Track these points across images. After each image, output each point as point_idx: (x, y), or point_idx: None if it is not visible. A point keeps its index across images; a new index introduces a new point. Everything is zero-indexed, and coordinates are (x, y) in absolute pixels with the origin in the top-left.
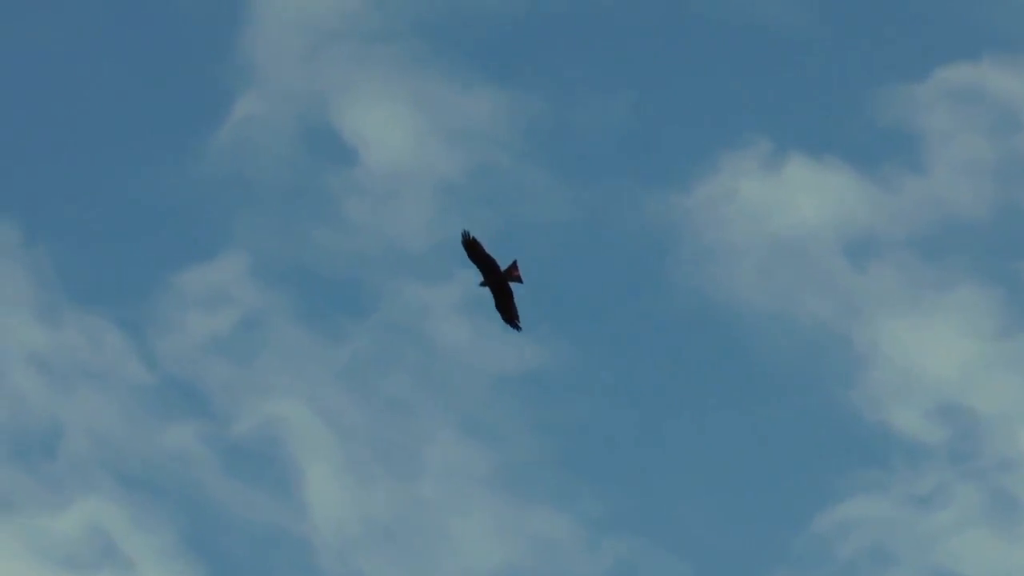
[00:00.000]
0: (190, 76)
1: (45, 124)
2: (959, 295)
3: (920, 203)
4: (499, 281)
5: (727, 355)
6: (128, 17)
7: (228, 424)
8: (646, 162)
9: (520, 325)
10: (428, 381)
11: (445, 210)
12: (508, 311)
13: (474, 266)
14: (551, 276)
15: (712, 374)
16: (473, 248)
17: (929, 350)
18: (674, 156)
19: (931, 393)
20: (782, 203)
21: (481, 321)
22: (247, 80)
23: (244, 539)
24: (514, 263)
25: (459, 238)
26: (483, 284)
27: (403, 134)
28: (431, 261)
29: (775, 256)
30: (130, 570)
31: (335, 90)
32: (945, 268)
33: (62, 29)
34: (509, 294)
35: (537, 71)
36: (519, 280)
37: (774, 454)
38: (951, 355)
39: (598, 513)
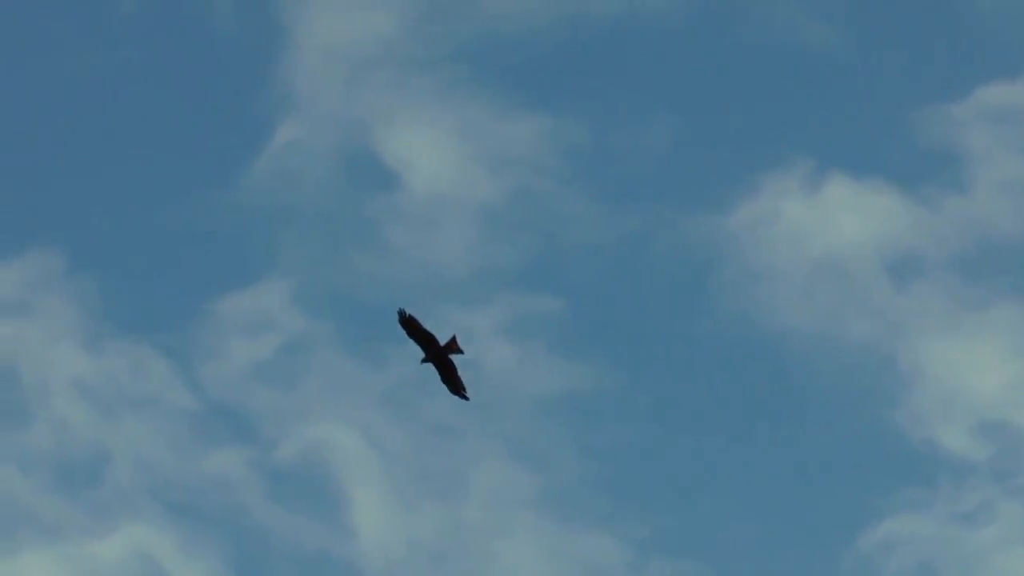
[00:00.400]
0: (231, 104)
1: (88, 153)
2: (1001, 314)
3: (961, 223)
4: (440, 355)
5: (770, 376)
6: (169, 45)
7: (273, 449)
8: (687, 185)
9: (467, 395)
10: (472, 405)
11: (487, 235)
12: (453, 383)
13: (415, 343)
14: (594, 300)
15: (756, 395)
16: (411, 325)
17: (972, 368)
18: (715, 178)
19: (974, 411)
20: (823, 224)
21: (524, 344)
22: (288, 107)
23: (290, 564)
24: (453, 337)
25: (501, 263)
26: (425, 360)
27: (444, 160)
28: (473, 286)
29: (817, 277)
30: None
31: (376, 117)
32: (987, 287)
33: (103, 58)
34: (452, 367)
35: (577, 96)
36: (460, 352)
37: (818, 474)
38: (994, 373)
39: (643, 535)
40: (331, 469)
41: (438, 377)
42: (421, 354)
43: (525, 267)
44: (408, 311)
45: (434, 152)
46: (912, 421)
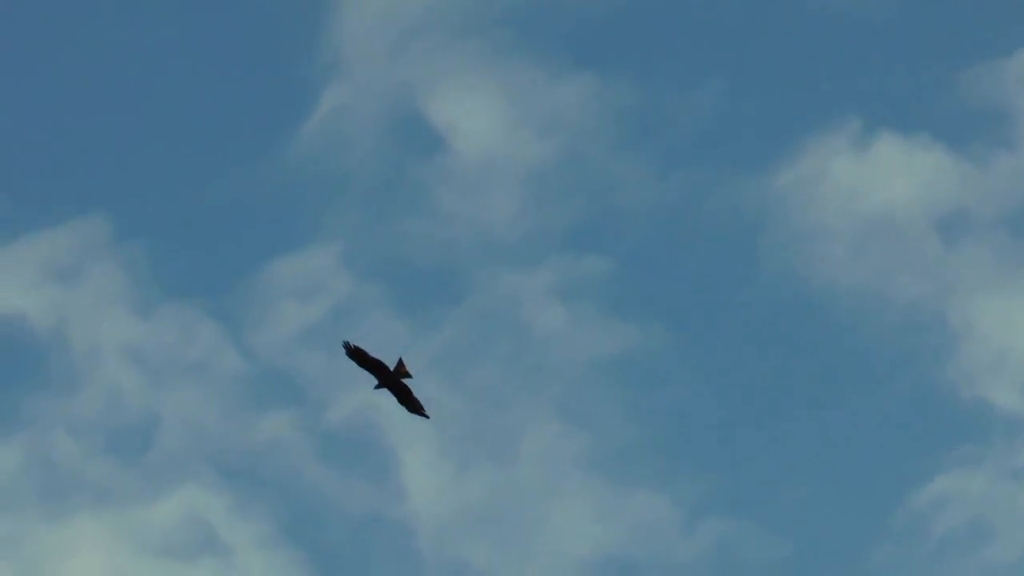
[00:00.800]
0: (277, 69)
1: (135, 119)
2: None
3: (1010, 179)
4: (392, 380)
5: (821, 335)
6: (215, 12)
7: (324, 412)
8: (736, 146)
9: (427, 413)
10: (523, 367)
11: (535, 198)
12: (411, 404)
13: (367, 372)
14: (643, 261)
15: (807, 355)
16: (358, 356)
17: (1022, 325)
18: (764, 139)
19: None
20: (872, 183)
21: (575, 306)
22: (334, 72)
23: (342, 526)
24: (400, 360)
25: (550, 225)
26: (378, 387)
27: (492, 122)
28: (523, 248)
29: (867, 236)
30: (229, 558)
31: (423, 81)
32: None
33: (151, 26)
34: (406, 389)
35: (625, 58)
36: (408, 375)
37: (870, 432)
38: None
39: (695, 495)
40: (382, 432)
41: (485, 343)
42: (374, 381)
43: (574, 229)
44: (353, 343)
45: (482, 115)
46: (963, 378)
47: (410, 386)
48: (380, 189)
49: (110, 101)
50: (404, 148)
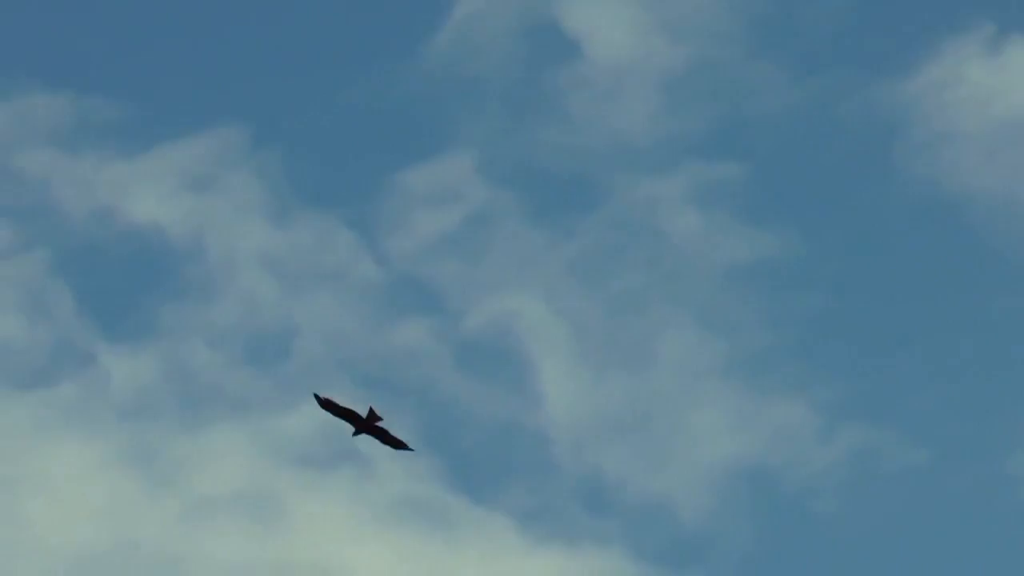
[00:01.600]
0: None
1: (271, 29)
2: None
3: None
4: (368, 425)
5: (957, 239)
6: None
7: (460, 320)
8: (870, 50)
9: (411, 447)
10: (659, 273)
11: (669, 103)
12: (392, 443)
13: (342, 420)
14: (779, 167)
15: (942, 259)
16: (330, 407)
17: None
18: (897, 43)
19: None
20: (1007, 87)
21: (711, 212)
22: None
23: (479, 433)
24: (370, 408)
25: (684, 131)
26: (356, 433)
27: (626, 29)
28: (658, 154)
29: (1001, 139)
30: (367, 467)
31: None
32: None
33: None
34: (383, 431)
35: None
36: (380, 419)
37: (1007, 337)
38: None
39: (833, 401)
40: (518, 339)
41: (621, 249)
42: (352, 428)
43: (709, 135)
44: (323, 395)
45: (615, 21)
46: None
47: (386, 427)
48: (514, 97)
49: (247, 11)
50: (538, 55)
